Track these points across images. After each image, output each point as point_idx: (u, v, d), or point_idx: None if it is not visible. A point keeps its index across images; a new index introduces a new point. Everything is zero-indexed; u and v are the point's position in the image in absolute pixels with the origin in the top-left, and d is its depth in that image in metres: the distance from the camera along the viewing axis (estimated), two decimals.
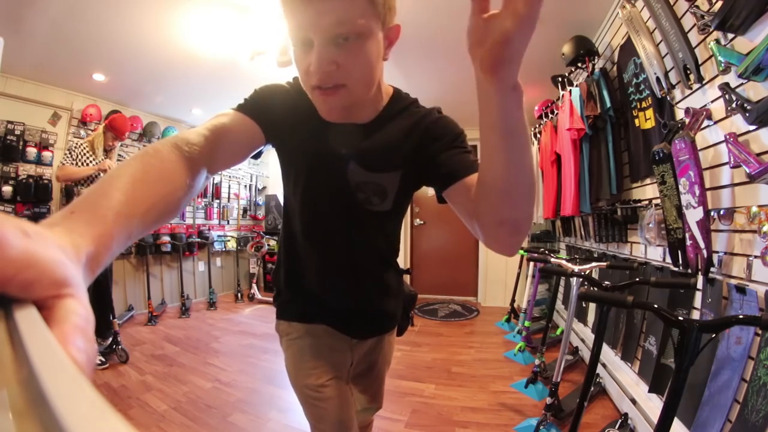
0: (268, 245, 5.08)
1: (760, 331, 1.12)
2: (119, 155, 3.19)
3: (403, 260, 4.74)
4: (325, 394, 0.83)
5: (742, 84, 1.18)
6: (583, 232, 2.83)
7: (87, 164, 2.55)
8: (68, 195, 3.13)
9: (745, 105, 1.14)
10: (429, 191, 0.76)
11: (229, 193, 5.07)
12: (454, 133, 0.71)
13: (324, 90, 0.59)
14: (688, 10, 1.42)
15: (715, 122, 1.35)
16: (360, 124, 0.72)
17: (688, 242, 1.39)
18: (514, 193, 0.52)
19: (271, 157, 5.26)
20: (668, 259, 1.63)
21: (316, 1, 0.53)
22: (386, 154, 0.73)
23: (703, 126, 1.40)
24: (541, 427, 1.74)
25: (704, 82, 1.40)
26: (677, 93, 1.61)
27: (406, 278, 1.16)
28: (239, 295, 4.84)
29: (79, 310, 0.22)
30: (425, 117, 0.73)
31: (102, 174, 2.58)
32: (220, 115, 0.63)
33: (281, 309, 0.90)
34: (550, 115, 3.01)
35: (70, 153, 2.53)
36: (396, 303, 0.94)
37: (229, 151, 0.61)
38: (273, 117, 0.68)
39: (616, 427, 1.78)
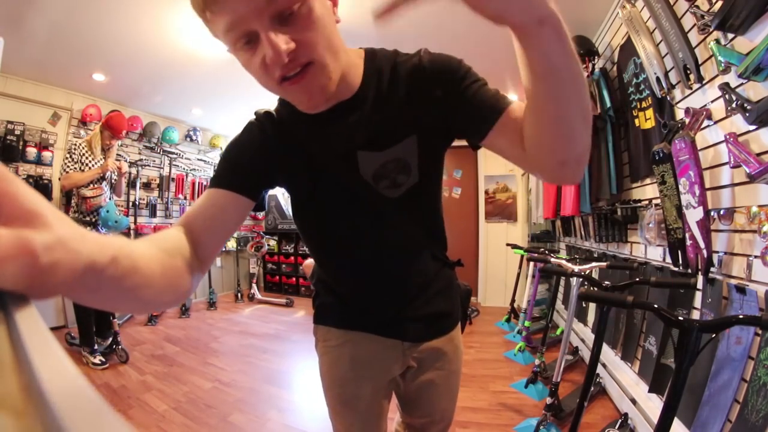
0: (268, 245, 5.07)
1: (760, 331, 1.12)
2: (118, 155, 3.19)
3: None
4: (357, 406, 0.79)
5: (742, 84, 1.18)
6: (583, 232, 2.83)
7: (87, 164, 2.54)
8: (68, 195, 3.12)
9: (745, 105, 1.13)
10: None
11: None
12: (461, 68, 0.60)
13: (294, 78, 0.51)
14: (688, 10, 1.42)
15: (715, 122, 1.35)
16: (346, 101, 0.61)
17: (688, 242, 1.39)
18: (572, 134, 0.47)
19: None
20: (668, 259, 1.63)
21: None
22: (391, 120, 0.62)
23: (703, 126, 1.40)
24: (541, 427, 1.74)
25: (704, 82, 1.40)
26: (677, 93, 1.61)
27: None
28: (239, 295, 4.84)
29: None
30: (418, 62, 0.62)
31: (104, 176, 2.57)
32: (201, 203, 0.59)
33: (319, 313, 0.84)
34: None
35: (71, 156, 2.51)
36: (450, 301, 0.84)
37: (220, 240, 0.59)
38: (255, 171, 0.63)
39: (616, 427, 1.78)
